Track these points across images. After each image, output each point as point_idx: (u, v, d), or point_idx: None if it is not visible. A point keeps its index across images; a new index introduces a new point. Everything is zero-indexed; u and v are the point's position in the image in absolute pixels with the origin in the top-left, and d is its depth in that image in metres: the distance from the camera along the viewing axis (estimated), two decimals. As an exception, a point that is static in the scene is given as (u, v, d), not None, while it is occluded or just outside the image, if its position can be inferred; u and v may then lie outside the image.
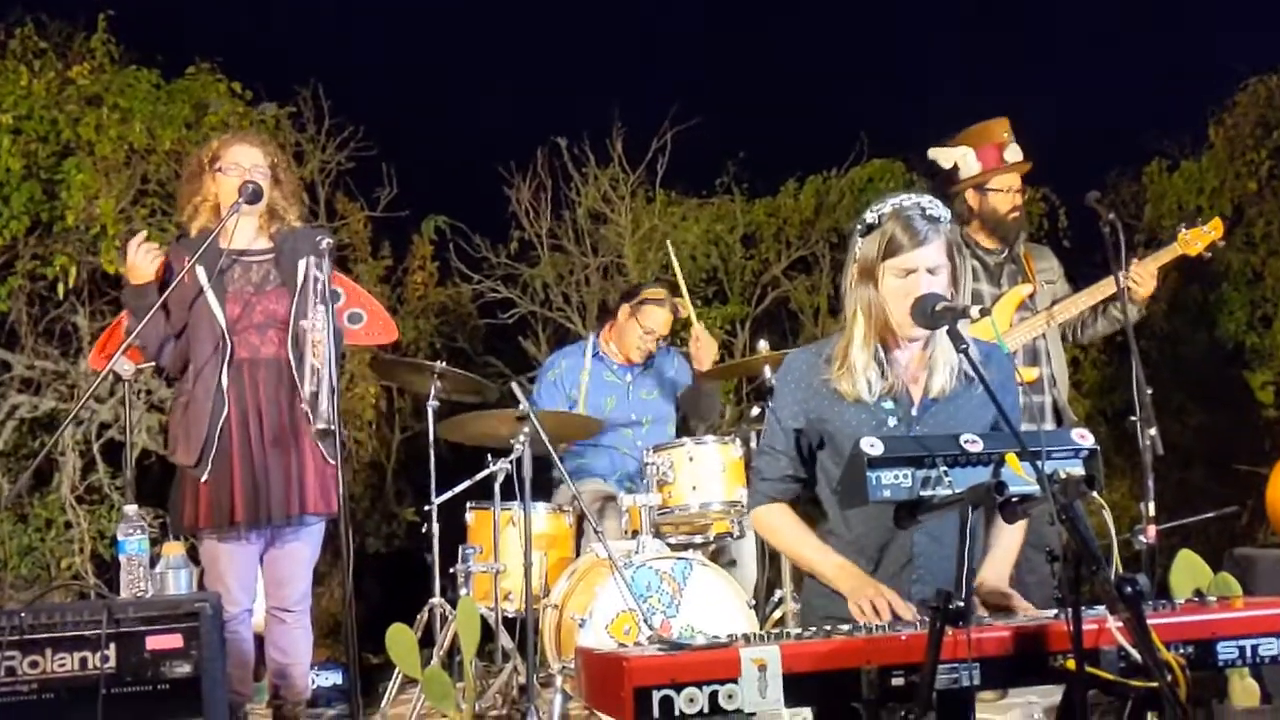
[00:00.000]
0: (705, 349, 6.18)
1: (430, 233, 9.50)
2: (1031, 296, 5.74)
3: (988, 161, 5.67)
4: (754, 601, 5.29)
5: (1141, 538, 4.88)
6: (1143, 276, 5.52)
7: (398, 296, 9.51)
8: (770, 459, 3.23)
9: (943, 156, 5.82)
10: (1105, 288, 5.58)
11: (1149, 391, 4.93)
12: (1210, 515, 5.20)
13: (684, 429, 6.51)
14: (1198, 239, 5.64)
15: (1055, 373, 5.76)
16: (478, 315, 9.59)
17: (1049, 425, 5.67)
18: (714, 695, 2.52)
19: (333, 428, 4.41)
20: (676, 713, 2.50)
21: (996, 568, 3.10)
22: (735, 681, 2.53)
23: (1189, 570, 4.14)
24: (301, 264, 4.76)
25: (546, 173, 9.30)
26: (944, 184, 6.43)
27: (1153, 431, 4.89)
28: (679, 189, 9.72)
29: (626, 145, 9.34)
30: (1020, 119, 5.86)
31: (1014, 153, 5.68)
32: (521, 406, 5.19)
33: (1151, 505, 4.84)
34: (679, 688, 2.50)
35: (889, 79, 11.55)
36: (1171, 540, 5.60)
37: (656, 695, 2.49)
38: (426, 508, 5.67)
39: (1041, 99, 9.27)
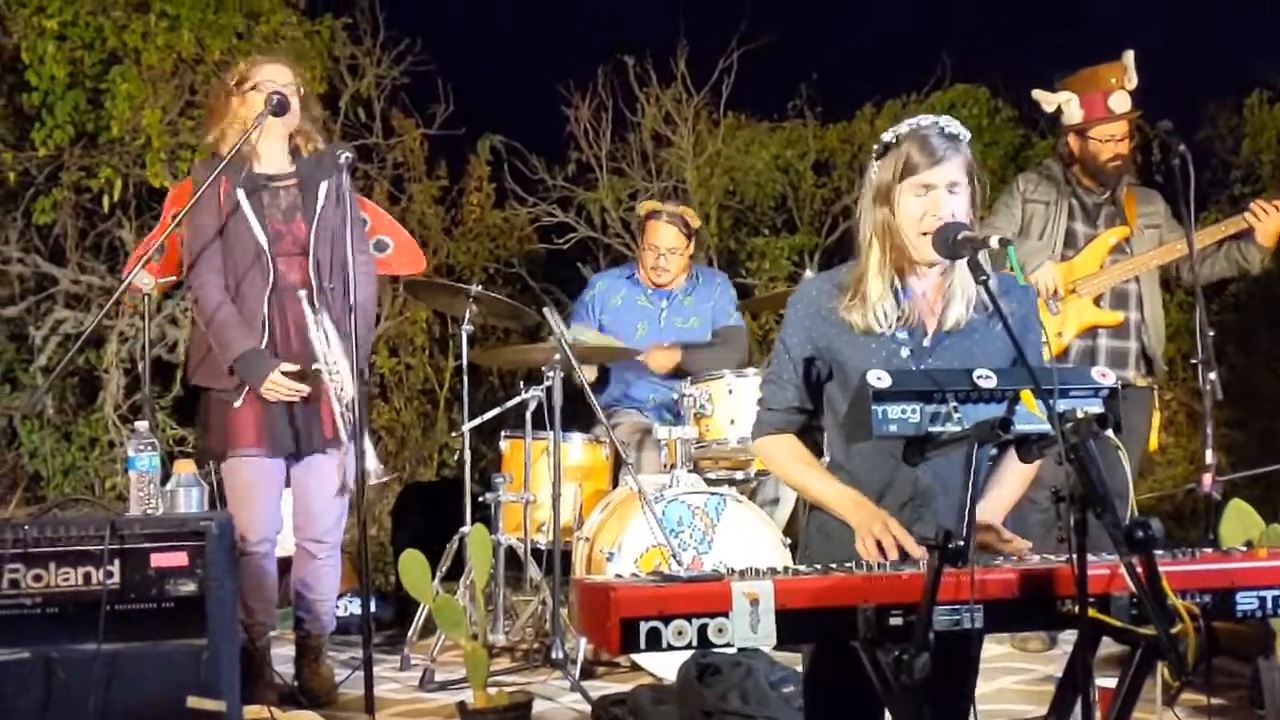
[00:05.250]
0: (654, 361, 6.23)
1: (486, 153, 9.53)
2: (1127, 240, 5.71)
3: (1091, 110, 5.67)
4: (790, 540, 5.30)
5: (1204, 487, 4.85)
6: (1267, 212, 5.49)
7: (453, 218, 9.57)
8: (777, 388, 3.22)
9: (1046, 100, 5.83)
10: (1228, 226, 5.57)
11: (1211, 334, 4.88)
12: (1274, 468, 5.14)
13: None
14: None
15: (1148, 319, 5.72)
16: (536, 239, 9.62)
17: (1132, 372, 5.65)
18: (703, 628, 2.51)
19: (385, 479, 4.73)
20: (664, 645, 2.50)
21: (990, 506, 3.09)
22: (726, 615, 2.53)
23: (1240, 520, 4.10)
24: (323, 186, 4.85)
25: (608, 92, 9.29)
26: (1050, 122, 6.40)
27: (1213, 376, 4.85)
28: (747, 112, 9.65)
29: (691, 64, 9.30)
30: (1117, 46, 5.78)
31: (1120, 101, 5.64)
32: (554, 335, 5.21)
33: (1210, 453, 4.81)
34: (667, 620, 2.50)
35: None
36: (1254, 492, 5.53)
37: (644, 626, 2.49)
38: (454, 434, 5.73)
39: (1139, 24, 9.10)
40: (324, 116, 5.26)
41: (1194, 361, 4.95)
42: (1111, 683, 2.70)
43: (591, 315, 6.28)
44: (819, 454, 3.26)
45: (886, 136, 3.11)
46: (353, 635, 6.11)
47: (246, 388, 4.77)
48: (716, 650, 4.12)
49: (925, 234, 3.02)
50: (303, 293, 4.78)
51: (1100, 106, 5.65)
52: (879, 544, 2.93)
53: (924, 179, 3.03)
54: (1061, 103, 5.76)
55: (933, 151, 3.04)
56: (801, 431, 3.26)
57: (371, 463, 4.68)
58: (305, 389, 4.78)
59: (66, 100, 7.50)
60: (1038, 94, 5.88)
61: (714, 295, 6.47)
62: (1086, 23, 10.16)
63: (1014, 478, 3.15)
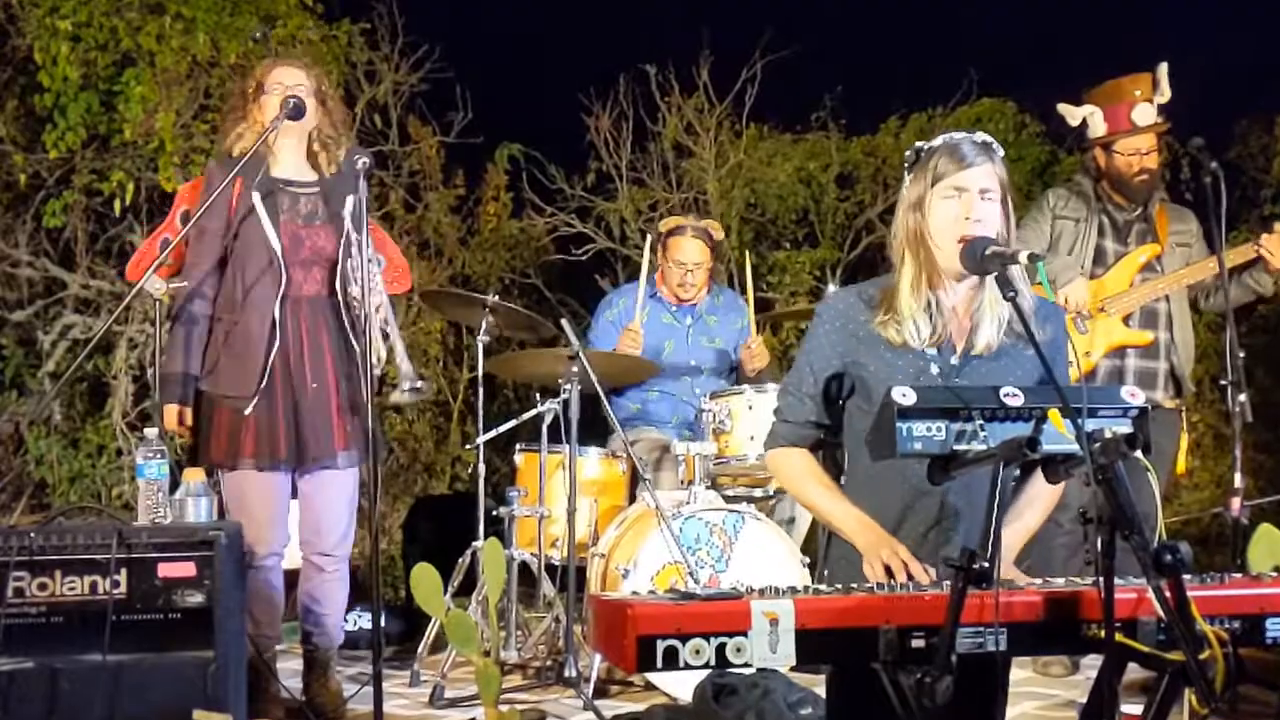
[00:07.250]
0: (757, 359, 6.22)
1: (504, 162, 9.54)
2: (1158, 258, 5.68)
3: (1115, 123, 5.63)
4: (808, 559, 5.29)
5: (1232, 511, 4.82)
6: (1275, 246, 5.46)
7: (469, 227, 9.58)
8: (794, 401, 3.22)
9: (1070, 114, 5.81)
10: (1239, 254, 5.53)
11: (1241, 356, 4.86)
12: (1291, 494, 5.15)
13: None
14: None
15: (1177, 339, 5.68)
16: (552, 250, 9.63)
17: (1160, 393, 5.62)
18: (721, 648, 2.50)
19: (421, 385, 4.67)
20: (681, 664, 2.49)
21: (1006, 540, 3.06)
22: (745, 635, 2.51)
23: (1269, 545, 4.05)
24: (349, 200, 4.82)
25: (629, 101, 9.30)
26: (1076, 136, 6.37)
27: (1242, 398, 4.83)
28: (769, 123, 9.66)
29: (714, 74, 9.30)
30: (1146, 62, 5.77)
31: (1144, 114, 5.60)
32: (571, 346, 5.20)
33: (1239, 476, 4.78)
34: (685, 638, 2.49)
35: (1004, 8, 11.32)
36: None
37: (661, 645, 2.48)
38: (468, 446, 5.72)
39: (1169, 41, 9.09)
40: (348, 118, 5.26)
41: (1224, 383, 4.92)
42: (1136, 709, 2.68)
43: (619, 333, 6.23)
44: (839, 472, 3.25)
45: (914, 150, 3.12)
46: (362, 650, 6.09)
47: (256, 398, 4.77)
48: (733, 670, 4.11)
49: (958, 240, 3.01)
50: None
51: (1123, 119, 5.62)
52: (887, 568, 2.93)
53: (956, 181, 3.04)
54: (1086, 116, 5.73)
55: (963, 157, 3.05)
56: (816, 447, 3.27)
57: (405, 366, 4.69)
58: (184, 429, 4.78)
59: (79, 102, 7.51)
60: (1062, 108, 5.86)
61: (736, 324, 6.43)
62: (1115, 38, 10.14)
63: (1032, 511, 3.15)
